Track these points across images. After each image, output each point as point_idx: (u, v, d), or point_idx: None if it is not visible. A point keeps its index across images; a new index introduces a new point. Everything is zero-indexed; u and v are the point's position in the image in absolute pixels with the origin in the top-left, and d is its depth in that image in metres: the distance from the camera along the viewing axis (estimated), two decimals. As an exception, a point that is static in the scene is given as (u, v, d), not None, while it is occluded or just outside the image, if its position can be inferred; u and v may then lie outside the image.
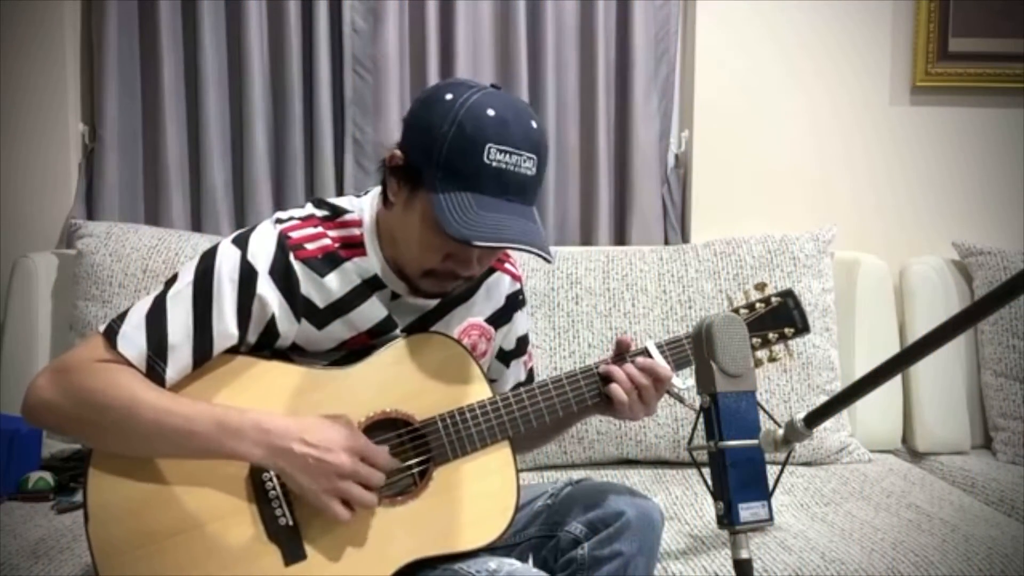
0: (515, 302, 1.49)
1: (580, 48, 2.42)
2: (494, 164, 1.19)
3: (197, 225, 2.39)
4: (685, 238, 2.47)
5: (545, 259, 1.22)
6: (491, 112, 1.20)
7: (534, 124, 1.23)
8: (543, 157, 1.24)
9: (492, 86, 1.27)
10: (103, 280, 2.10)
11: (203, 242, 2.18)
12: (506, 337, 1.49)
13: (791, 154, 2.47)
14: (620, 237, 2.47)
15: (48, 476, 1.82)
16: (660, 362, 1.36)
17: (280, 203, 2.39)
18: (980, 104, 2.48)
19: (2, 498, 1.78)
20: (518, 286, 1.50)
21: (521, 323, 1.51)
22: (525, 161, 1.21)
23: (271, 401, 1.26)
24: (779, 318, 1.45)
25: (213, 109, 2.35)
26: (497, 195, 1.20)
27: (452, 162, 1.19)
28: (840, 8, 2.43)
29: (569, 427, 1.56)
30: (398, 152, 1.25)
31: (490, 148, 1.18)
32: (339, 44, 2.36)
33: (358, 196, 1.37)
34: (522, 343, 1.53)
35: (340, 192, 2.38)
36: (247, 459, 1.21)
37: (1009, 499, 1.95)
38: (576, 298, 2.12)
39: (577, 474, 2.01)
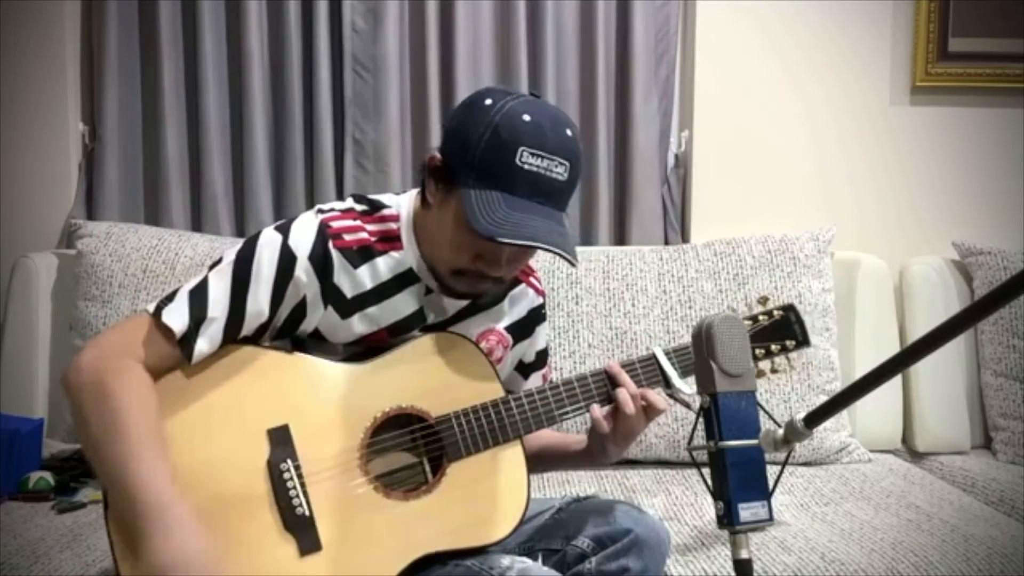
0: (537, 316, 1.52)
1: (580, 48, 2.42)
2: (526, 167, 1.22)
3: (197, 225, 2.38)
4: (685, 238, 2.47)
5: (569, 261, 1.24)
6: (526, 117, 1.23)
7: (569, 132, 1.26)
8: (576, 165, 1.27)
9: (531, 94, 1.30)
10: (103, 280, 2.10)
11: (203, 242, 2.18)
12: (527, 351, 1.52)
13: (791, 154, 2.46)
14: (620, 237, 2.47)
15: (48, 476, 1.81)
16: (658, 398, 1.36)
17: (280, 203, 2.39)
18: (980, 104, 2.48)
19: (2, 498, 1.78)
20: (541, 301, 1.53)
21: (542, 337, 1.54)
22: (557, 167, 1.24)
23: (291, 392, 1.28)
24: (781, 331, 1.46)
25: (213, 109, 2.35)
26: (527, 197, 1.23)
27: (485, 162, 1.23)
28: (840, 8, 2.43)
29: (571, 464, 1.56)
30: (437, 155, 1.29)
31: (523, 151, 1.22)
32: (339, 44, 2.36)
33: (397, 194, 1.40)
34: (542, 356, 1.55)
35: (340, 192, 2.38)
36: (147, 554, 1.12)
37: (1009, 499, 1.95)
38: (576, 298, 2.12)
39: (577, 475, 2.02)
